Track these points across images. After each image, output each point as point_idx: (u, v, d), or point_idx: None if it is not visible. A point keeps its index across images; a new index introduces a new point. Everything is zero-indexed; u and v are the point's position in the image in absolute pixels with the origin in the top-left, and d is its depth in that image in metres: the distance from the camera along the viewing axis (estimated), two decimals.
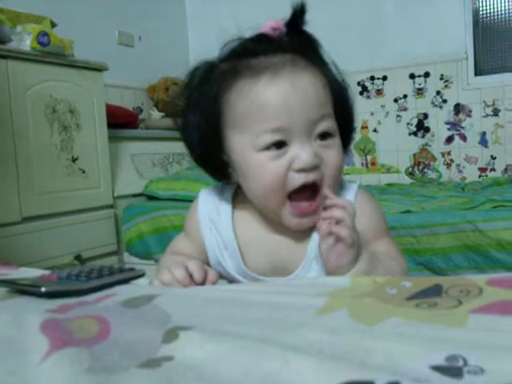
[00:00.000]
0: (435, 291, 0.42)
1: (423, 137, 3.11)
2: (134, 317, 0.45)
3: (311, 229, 0.73)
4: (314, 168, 0.67)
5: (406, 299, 0.42)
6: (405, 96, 3.13)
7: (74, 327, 0.43)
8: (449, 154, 3.06)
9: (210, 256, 0.80)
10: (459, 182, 2.84)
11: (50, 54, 2.21)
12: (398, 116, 3.15)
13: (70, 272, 0.67)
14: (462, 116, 3.01)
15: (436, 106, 3.08)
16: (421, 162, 3.12)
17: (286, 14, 0.73)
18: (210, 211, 0.80)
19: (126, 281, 0.64)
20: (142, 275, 0.67)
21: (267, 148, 0.68)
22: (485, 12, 3.02)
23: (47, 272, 0.72)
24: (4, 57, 2.05)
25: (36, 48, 2.16)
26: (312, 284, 0.51)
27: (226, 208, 0.79)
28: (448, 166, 3.06)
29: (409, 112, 3.13)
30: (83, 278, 0.62)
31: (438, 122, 3.08)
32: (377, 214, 0.79)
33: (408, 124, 3.14)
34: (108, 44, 3.17)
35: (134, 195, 2.68)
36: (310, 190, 0.69)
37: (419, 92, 3.10)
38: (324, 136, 0.69)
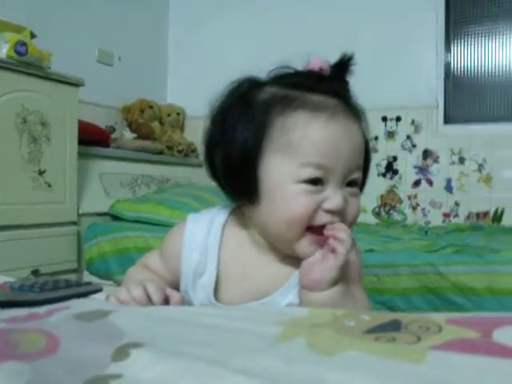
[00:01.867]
0: (394, 326, 0.42)
1: (391, 179, 3.17)
2: (86, 332, 0.44)
3: (299, 263, 0.73)
4: (340, 212, 0.71)
5: (364, 332, 0.41)
6: (376, 138, 3.19)
7: (21, 340, 0.41)
8: (415, 197, 3.11)
9: (181, 281, 0.79)
10: (423, 226, 2.88)
11: (27, 64, 2.18)
12: None
13: (24, 283, 0.65)
14: (429, 161, 3.08)
15: (406, 149, 3.14)
16: (387, 203, 3.17)
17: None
18: (198, 236, 0.79)
19: (82, 295, 0.62)
20: (99, 290, 0.65)
21: (305, 181, 0.69)
22: (456, 66, 3.14)
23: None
24: None
25: (12, 57, 2.13)
26: (269, 311, 0.50)
27: (215, 233, 0.79)
28: (413, 209, 3.12)
29: (379, 154, 3.19)
30: (37, 290, 0.60)
31: (407, 166, 3.14)
32: (358, 260, 0.80)
33: (377, 165, 3.19)
34: (87, 60, 3.16)
35: (99, 214, 2.64)
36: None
37: (390, 135, 3.17)
38: (351, 184, 0.73)
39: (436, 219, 3.04)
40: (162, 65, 3.87)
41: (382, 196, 3.18)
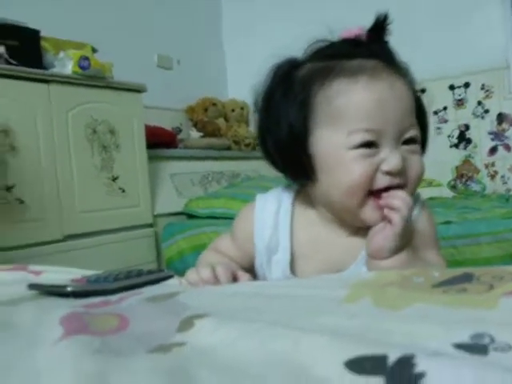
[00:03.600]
0: (465, 278, 0.40)
1: (465, 148, 3.03)
2: (154, 310, 0.45)
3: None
4: (400, 172, 0.69)
5: (432, 286, 0.39)
6: (445, 108, 3.07)
7: (93, 321, 0.42)
8: (493, 165, 2.96)
9: (256, 259, 0.80)
10: (504, 194, 2.74)
11: (91, 76, 2.27)
12: (438, 128, 3.08)
13: (100, 275, 0.67)
14: (505, 125, 2.92)
15: (477, 116, 3.00)
16: (464, 174, 3.04)
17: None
18: (268, 213, 0.80)
19: (154, 282, 0.64)
20: (170, 276, 0.67)
21: (358, 146, 0.68)
22: None
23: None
24: (46, 81, 2.12)
25: (77, 72, 2.23)
26: (336, 278, 0.49)
27: (285, 211, 0.79)
28: (492, 177, 2.97)
29: (449, 124, 3.06)
30: (111, 280, 0.62)
31: (481, 133, 2.99)
32: (432, 224, 0.79)
33: (449, 136, 3.06)
34: (147, 67, 3.24)
35: (174, 214, 2.70)
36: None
37: (459, 103, 3.04)
38: (409, 142, 0.71)
39: None
40: (220, 62, 3.91)
41: (456, 167, 3.05)
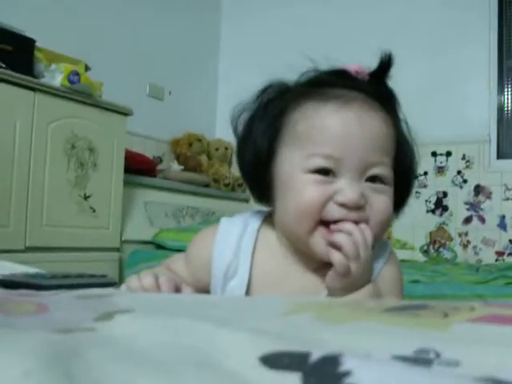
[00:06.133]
0: (420, 306, 0.36)
1: (441, 215, 3.05)
2: (79, 304, 0.40)
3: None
4: (358, 208, 0.64)
5: (384, 311, 0.36)
6: (425, 173, 3.10)
7: (7, 304, 0.38)
8: (466, 234, 2.97)
9: (211, 285, 0.75)
10: (474, 264, 2.74)
11: (78, 92, 2.25)
12: (417, 192, 3.10)
13: (40, 273, 0.63)
14: (481, 197, 2.95)
15: (456, 185, 3.03)
16: (437, 240, 3.04)
17: None
18: (231, 237, 0.75)
19: (94, 286, 0.59)
20: (113, 284, 0.62)
21: (314, 171, 0.65)
22: (510, 99, 3.04)
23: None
24: (33, 89, 2.09)
25: (65, 85, 2.21)
26: (286, 299, 0.45)
27: (249, 236, 0.75)
28: (464, 246, 2.97)
29: (428, 189, 3.08)
30: (48, 276, 0.58)
31: (457, 202, 3.02)
32: (399, 273, 0.75)
33: (426, 201, 3.08)
34: (138, 94, 3.23)
35: (142, 242, 2.64)
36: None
37: (440, 170, 3.07)
38: (375, 180, 0.66)
39: (488, 258, 2.88)
40: (212, 100, 3.92)
41: (430, 233, 3.06)
